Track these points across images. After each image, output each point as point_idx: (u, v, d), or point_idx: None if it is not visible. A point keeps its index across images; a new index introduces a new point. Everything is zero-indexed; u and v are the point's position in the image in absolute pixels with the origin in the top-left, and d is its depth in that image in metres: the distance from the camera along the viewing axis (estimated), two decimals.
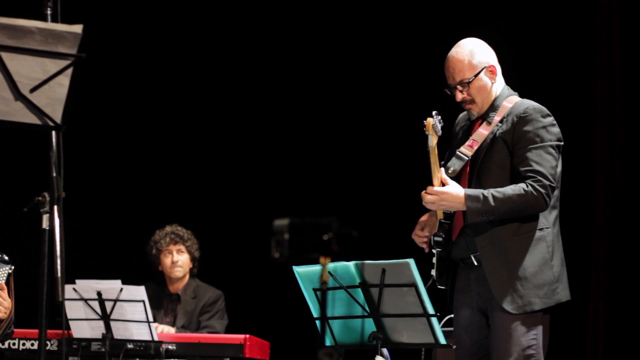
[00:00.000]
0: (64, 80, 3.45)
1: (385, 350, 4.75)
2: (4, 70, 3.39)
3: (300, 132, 7.93)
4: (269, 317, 7.59)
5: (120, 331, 6.22)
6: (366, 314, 4.66)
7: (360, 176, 7.75)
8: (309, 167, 7.84)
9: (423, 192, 4.61)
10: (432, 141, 4.59)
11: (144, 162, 8.15)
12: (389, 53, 7.72)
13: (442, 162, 4.70)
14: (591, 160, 6.88)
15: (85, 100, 6.79)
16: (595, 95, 6.90)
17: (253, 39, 8.09)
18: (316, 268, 4.67)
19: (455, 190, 4.55)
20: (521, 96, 4.78)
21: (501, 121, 4.66)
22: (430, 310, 4.58)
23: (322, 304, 4.64)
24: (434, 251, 4.74)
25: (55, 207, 3.54)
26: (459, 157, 4.68)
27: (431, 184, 4.60)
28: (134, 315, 6.18)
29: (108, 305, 6.19)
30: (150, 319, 6.19)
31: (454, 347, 4.75)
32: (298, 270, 4.74)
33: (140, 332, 6.22)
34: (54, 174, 3.57)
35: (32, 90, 3.43)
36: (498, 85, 4.74)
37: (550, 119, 4.63)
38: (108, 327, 6.22)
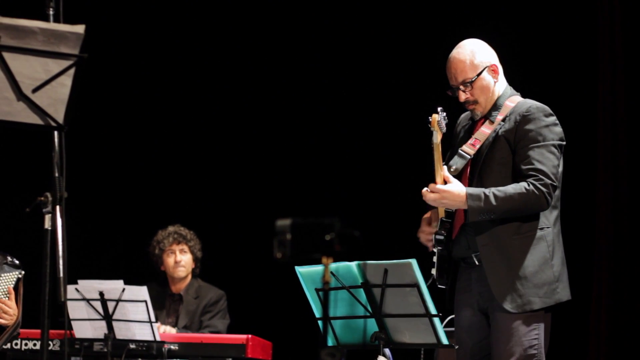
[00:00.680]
0: (66, 80, 3.45)
1: (387, 351, 4.75)
2: (6, 71, 3.39)
3: (303, 133, 7.93)
4: (271, 317, 7.60)
5: (122, 331, 6.22)
6: (368, 314, 4.66)
7: (362, 176, 7.75)
8: (311, 167, 7.84)
9: (424, 190, 4.61)
10: (437, 137, 4.60)
11: (147, 162, 8.15)
12: (390, 54, 7.71)
13: (444, 161, 4.70)
14: (593, 160, 6.88)
15: (88, 100, 6.80)
16: (598, 95, 6.90)
17: (257, 39, 8.09)
18: (318, 268, 4.67)
19: (457, 188, 4.56)
20: (523, 96, 4.78)
21: (504, 120, 4.66)
22: (433, 310, 4.58)
23: (325, 304, 4.64)
24: (434, 250, 4.75)
25: (58, 208, 3.53)
26: (461, 156, 4.68)
27: (433, 181, 4.61)
28: (136, 315, 6.18)
29: (110, 305, 6.19)
30: (153, 319, 6.19)
31: (456, 347, 4.75)
32: (300, 270, 4.74)
33: (142, 332, 6.22)
34: (56, 174, 3.56)
35: (35, 90, 3.43)
36: (500, 85, 4.75)
37: (553, 119, 4.63)
38: (110, 327, 6.22)
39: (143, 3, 8.12)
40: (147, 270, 7.17)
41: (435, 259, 4.75)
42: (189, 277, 7.12)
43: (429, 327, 4.61)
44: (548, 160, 4.55)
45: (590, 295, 6.80)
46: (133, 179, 8.15)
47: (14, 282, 5.02)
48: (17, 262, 5.05)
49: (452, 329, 4.89)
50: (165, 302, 7.08)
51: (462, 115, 4.93)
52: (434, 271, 4.75)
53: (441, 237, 4.69)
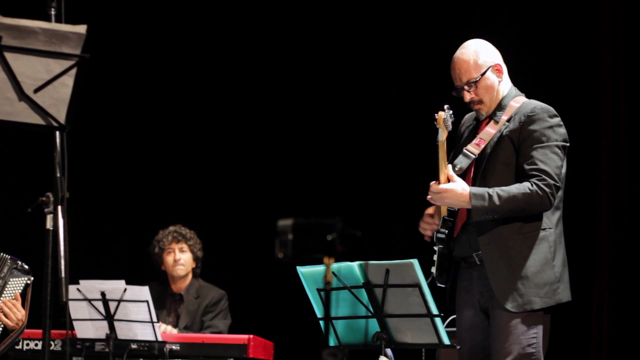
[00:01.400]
0: (68, 80, 3.45)
1: (389, 351, 4.75)
2: (8, 71, 3.39)
3: (304, 133, 7.93)
4: (273, 317, 7.60)
5: (124, 331, 6.22)
6: (370, 314, 4.66)
7: (364, 176, 7.75)
8: (313, 167, 7.84)
9: (432, 183, 4.60)
10: (442, 135, 4.61)
11: (148, 162, 8.15)
12: (389, 54, 7.71)
13: (448, 160, 4.70)
14: (594, 161, 6.87)
15: (89, 100, 6.80)
16: (599, 97, 6.89)
17: (258, 39, 8.09)
18: (320, 268, 4.67)
19: (461, 187, 4.56)
20: (525, 97, 4.78)
21: (508, 120, 4.67)
22: (434, 310, 4.58)
23: (326, 304, 4.64)
24: (435, 248, 4.75)
25: (59, 208, 3.54)
26: (466, 155, 4.69)
27: (437, 180, 4.61)
28: (137, 315, 6.18)
29: (112, 305, 6.19)
30: (154, 319, 6.19)
31: (458, 347, 4.75)
32: (302, 270, 4.74)
33: (144, 333, 6.22)
34: (58, 175, 3.56)
35: (36, 90, 3.43)
36: (505, 85, 4.75)
37: (557, 120, 4.64)
38: (112, 328, 6.22)
39: (144, 3, 8.12)
40: (148, 270, 7.17)
41: (435, 257, 4.76)
42: (190, 276, 7.12)
43: (430, 327, 4.61)
44: (551, 161, 4.55)
45: (592, 297, 6.80)
46: (135, 179, 8.15)
47: (21, 287, 5.03)
48: (27, 267, 5.06)
49: (454, 329, 4.89)
50: (166, 302, 7.08)
51: (467, 116, 4.93)
52: (433, 269, 4.76)
53: (442, 235, 4.69)
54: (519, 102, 4.72)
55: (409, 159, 7.32)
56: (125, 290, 6.16)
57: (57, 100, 3.45)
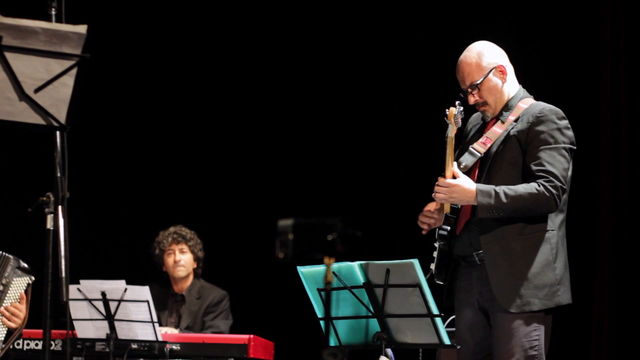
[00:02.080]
0: (69, 80, 3.45)
1: (389, 351, 4.75)
2: (8, 71, 3.39)
3: (304, 133, 7.93)
4: (273, 317, 7.59)
5: (124, 331, 6.22)
6: (370, 314, 4.66)
7: (364, 176, 7.75)
8: (313, 167, 7.83)
9: (440, 177, 4.60)
10: (452, 131, 4.61)
11: (149, 162, 8.15)
12: (390, 54, 7.71)
13: (454, 158, 4.70)
14: (595, 162, 6.87)
15: (90, 100, 6.80)
16: (600, 99, 6.89)
17: (259, 38, 8.09)
18: (320, 268, 4.67)
19: (467, 184, 4.56)
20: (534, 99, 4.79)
21: (516, 120, 4.66)
22: (435, 310, 4.58)
23: (327, 304, 4.64)
24: (435, 244, 4.74)
25: (60, 208, 3.54)
26: (472, 153, 4.69)
27: (442, 175, 4.61)
28: (138, 315, 6.18)
29: (112, 305, 6.19)
30: (155, 319, 6.19)
31: (458, 347, 4.75)
32: (302, 270, 4.74)
33: (144, 332, 6.22)
34: (59, 174, 3.56)
35: (37, 90, 3.43)
36: (510, 86, 4.75)
37: (566, 122, 4.64)
38: (112, 328, 6.22)
39: (145, 3, 8.12)
40: (149, 270, 7.18)
41: (435, 253, 4.76)
42: (191, 277, 7.12)
43: (431, 327, 4.61)
44: (559, 163, 4.55)
45: (592, 299, 6.79)
46: (135, 179, 8.15)
47: (24, 287, 5.03)
48: (27, 267, 5.06)
49: (454, 329, 4.89)
50: (167, 303, 7.09)
51: (474, 115, 4.93)
52: (432, 266, 4.76)
53: (444, 232, 4.69)
54: (527, 103, 4.72)
55: (410, 158, 7.33)
56: (125, 290, 6.16)
57: (58, 100, 3.45)
